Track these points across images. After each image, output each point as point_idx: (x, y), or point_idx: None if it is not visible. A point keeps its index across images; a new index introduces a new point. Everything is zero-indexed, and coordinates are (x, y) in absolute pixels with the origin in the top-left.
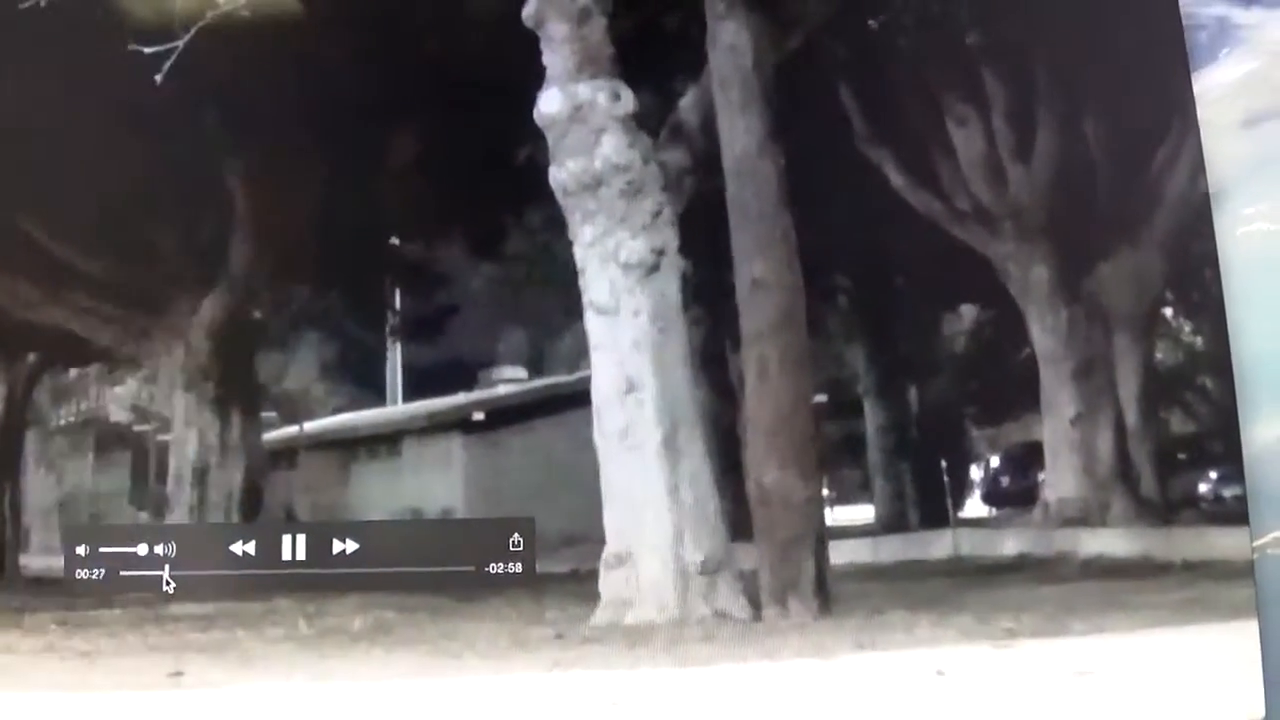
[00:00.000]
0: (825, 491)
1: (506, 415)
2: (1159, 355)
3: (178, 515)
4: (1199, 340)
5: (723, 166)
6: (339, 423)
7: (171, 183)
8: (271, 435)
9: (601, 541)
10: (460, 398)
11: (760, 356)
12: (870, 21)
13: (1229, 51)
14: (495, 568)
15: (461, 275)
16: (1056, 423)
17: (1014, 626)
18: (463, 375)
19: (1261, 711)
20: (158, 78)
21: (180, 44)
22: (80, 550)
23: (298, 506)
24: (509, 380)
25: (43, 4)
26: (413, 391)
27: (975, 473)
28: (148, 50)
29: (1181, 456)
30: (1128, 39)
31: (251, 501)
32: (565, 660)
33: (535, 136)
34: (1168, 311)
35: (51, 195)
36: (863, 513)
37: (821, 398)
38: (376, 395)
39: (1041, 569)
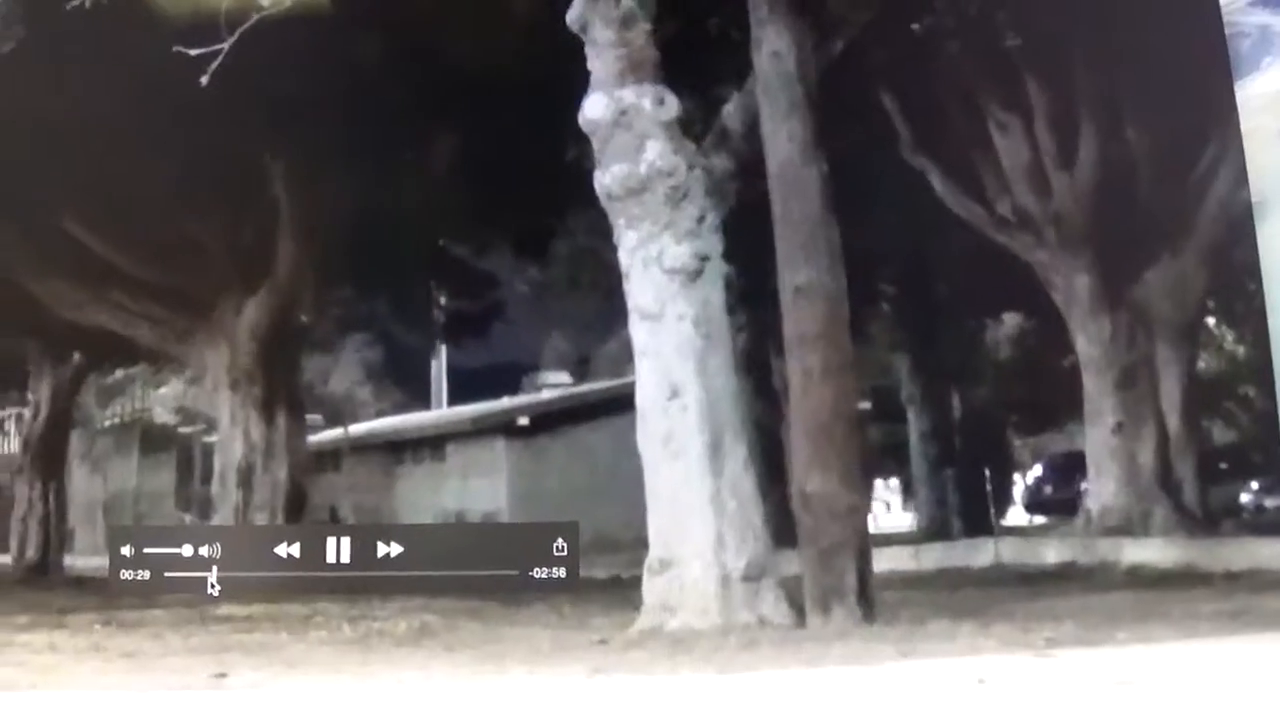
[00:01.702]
0: (870, 499)
1: (551, 420)
2: (1201, 364)
3: (222, 516)
4: (1241, 349)
5: (766, 172)
6: (384, 426)
7: (217, 185)
8: (316, 437)
9: (645, 547)
10: (505, 402)
11: (804, 363)
12: (914, 25)
13: (1272, 60)
14: (539, 572)
15: (506, 279)
16: (1099, 431)
17: (1055, 635)
18: (507, 379)
19: None
20: (203, 80)
21: (225, 46)
22: (125, 551)
23: (342, 509)
24: (553, 385)
25: (88, 5)
26: (457, 395)
27: (1018, 481)
28: (192, 52)
29: (1223, 466)
30: (1170, 47)
31: (296, 503)
32: (608, 665)
33: (580, 141)
34: (1210, 320)
35: (97, 198)
36: (906, 520)
37: (865, 404)
38: (421, 399)
39: (1083, 578)
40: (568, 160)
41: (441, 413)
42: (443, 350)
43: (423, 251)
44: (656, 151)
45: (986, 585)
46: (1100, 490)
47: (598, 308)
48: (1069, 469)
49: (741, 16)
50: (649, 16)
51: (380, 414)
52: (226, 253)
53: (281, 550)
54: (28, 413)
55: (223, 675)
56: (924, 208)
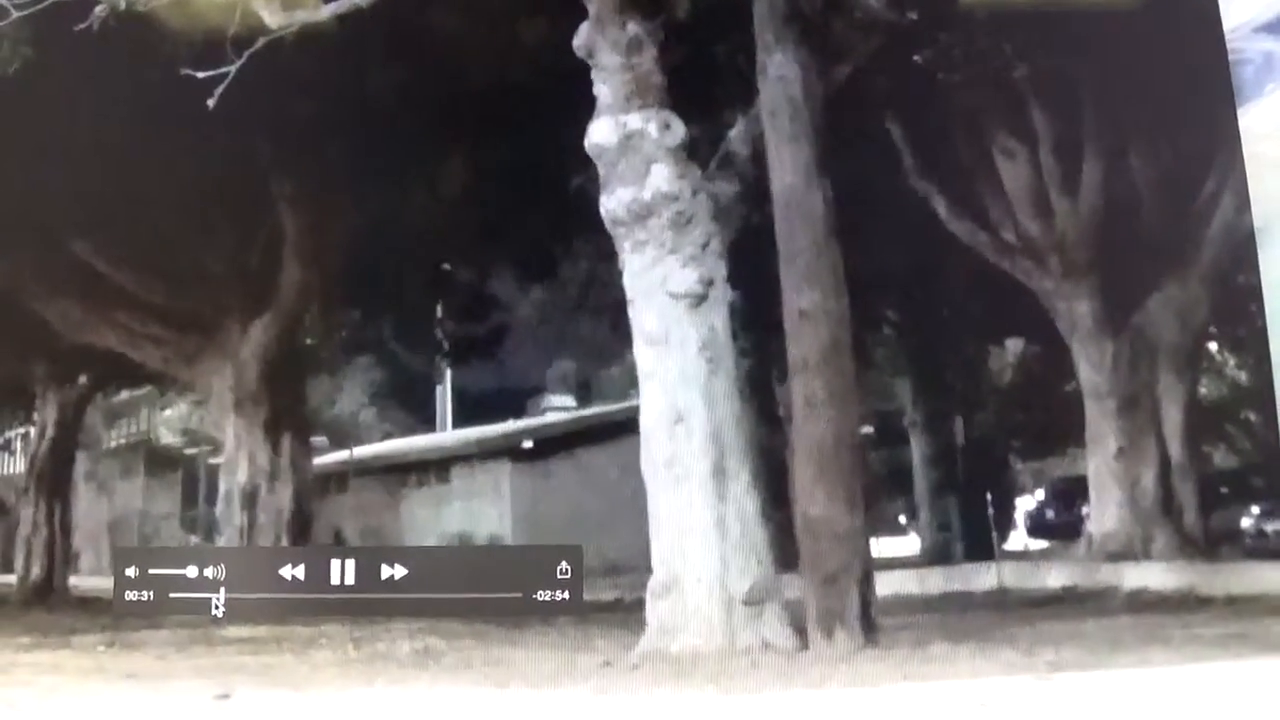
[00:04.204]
0: (872, 523)
1: (555, 443)
2: (1203, 389)
3: (227, 538)
4: (1243, 374)
5: (771, 197)
6: (389, 448)
7: (223, 207)
8: (321, 460)
9: (648, 570)
10: (509, 425)
11: (807, 387)
12: (915, 57)
13: (1275, 86)
14: (543, 595)
15: (512, 303)
16: (1101, 456)
17: (1057, 659)
18: (512, 403)
19: None
20: (210, 102)
21: (232, 70)
22: (130, 572)
23: (347, 531)
24: (558, 408)
25: (95, 27)
26: (462, 418)
27: (1020, 505)
28: (200, 75)
29: (1224, 491)
30: (1174, 74)
31: (301, 525)
32: (612, 687)
33: (586, 165)
34: (1212, 345)
35: (103, 219)
36: (908, 544)
37: (868, 429)
38: (426, 421)
39: (1085, 602)
40: (573, 185)
41: (446, 435)
42: (448, 373)
43: (428, 275)
44: (662, 176)
45: (988, 609)
46: (1102, 515)
47: (603, 332)
48: (1071, 494)
49: (748, 43)
50: (656, 42)
51: (385, 436)
52: (232, 275)
53: (286, 572)
54: (33, 433)
55: (225, 696)
56: (927, 233)
